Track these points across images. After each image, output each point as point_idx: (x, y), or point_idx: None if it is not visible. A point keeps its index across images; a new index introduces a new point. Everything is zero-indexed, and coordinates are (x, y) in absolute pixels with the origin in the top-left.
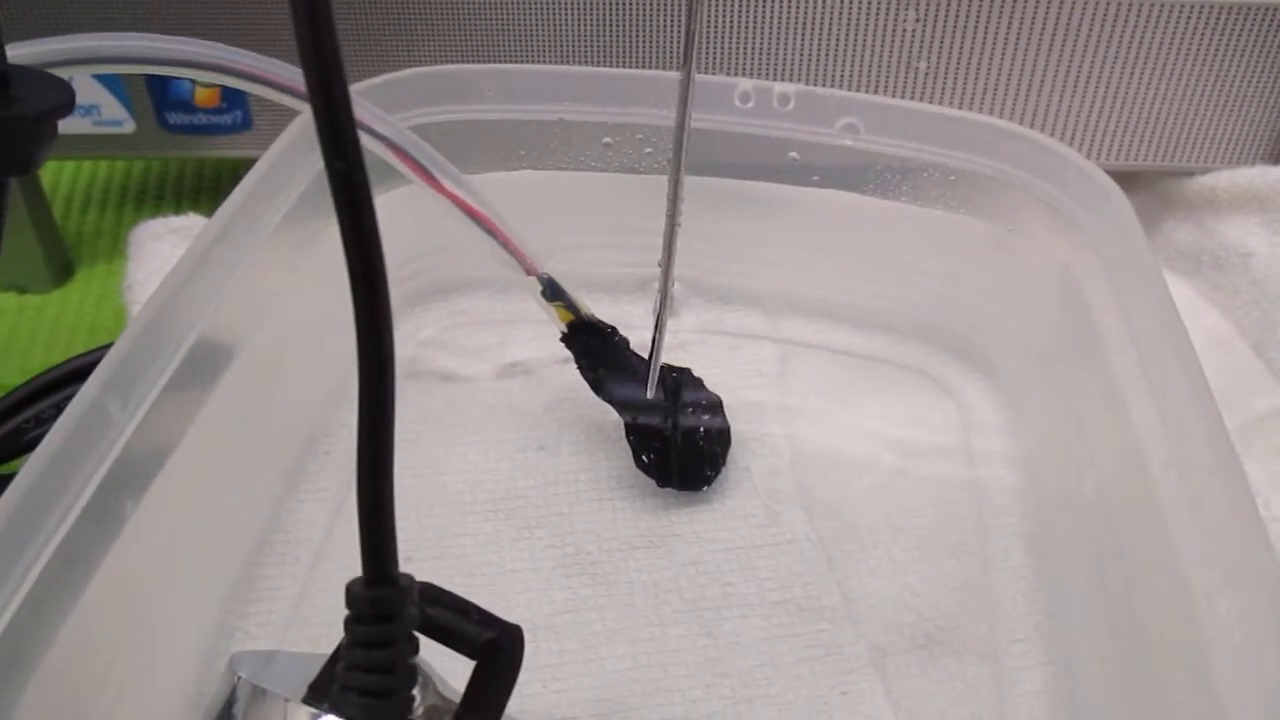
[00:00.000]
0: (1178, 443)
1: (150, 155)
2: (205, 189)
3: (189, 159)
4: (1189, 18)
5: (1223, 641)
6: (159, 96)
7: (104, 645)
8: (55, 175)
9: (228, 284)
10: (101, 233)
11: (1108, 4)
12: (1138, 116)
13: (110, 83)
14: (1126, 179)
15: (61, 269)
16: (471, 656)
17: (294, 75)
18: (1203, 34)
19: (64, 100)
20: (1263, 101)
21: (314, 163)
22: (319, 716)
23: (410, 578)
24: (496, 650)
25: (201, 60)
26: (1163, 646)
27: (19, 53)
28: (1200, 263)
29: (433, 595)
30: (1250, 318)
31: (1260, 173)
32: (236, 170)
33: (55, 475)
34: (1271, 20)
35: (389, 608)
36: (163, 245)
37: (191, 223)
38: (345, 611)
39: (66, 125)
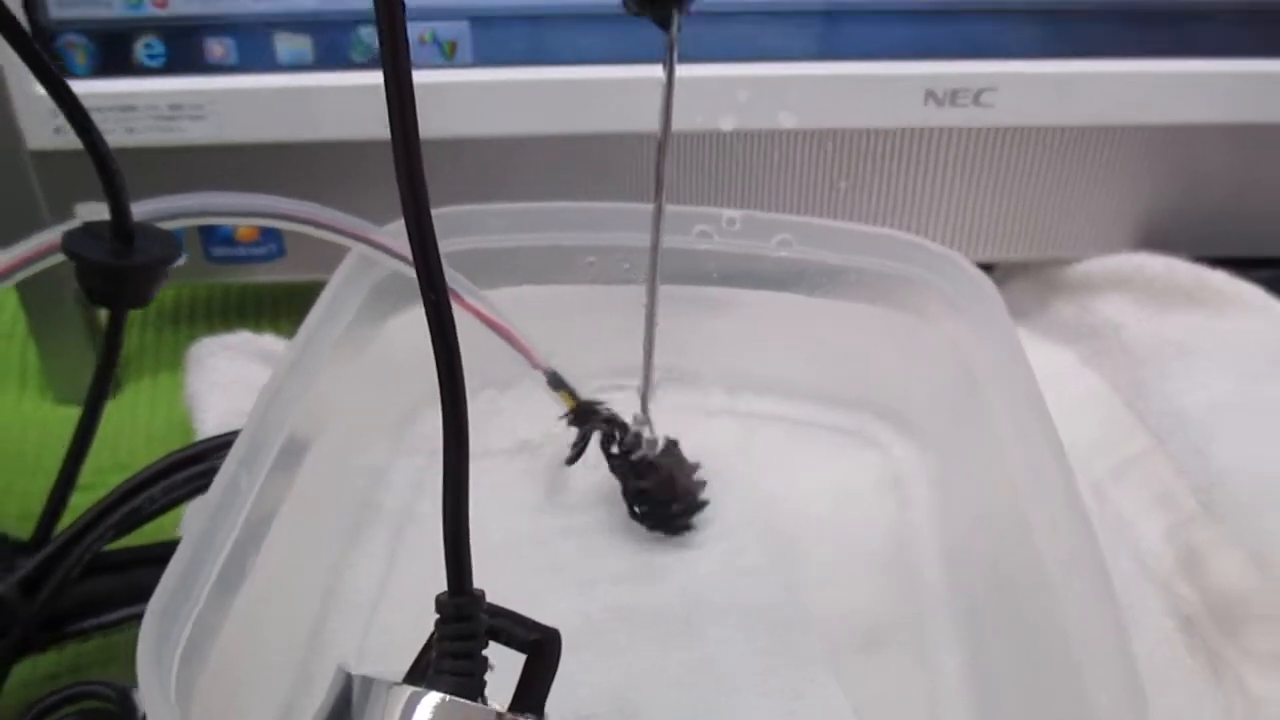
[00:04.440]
0: (1037, 477)
1: (195, 283)
2: (233, 308)
3: (216, 285)
4: (1060, 141)
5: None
6: (206, 233)
7: (240, 655)
8: None
9: (308, 389)
10: (144, 351)
11: (996, 133)
12: (1024, 218)
13: None
14: (1018, 268)
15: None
16: (522, 651)
17: (340, 219)
18: (1072, 151)
19: (174, 252)
20: (1122, 201)
21: (362, 290)
22: (419, 692)
23: (482, 591)
24: (540, 647)
25: (276, 212)
26: (1035, 618)
27: (139, 210)
28: (1080, 334)
29: (493, 609)
30: (1122, 378)
31: (1125, 259)
32: (260, 294)
33: (210, 533)
34: (1121, 138)
35: (468, 610)
36: (218, 360)
37: (242, 339)
38: (400, 642)
39: None
